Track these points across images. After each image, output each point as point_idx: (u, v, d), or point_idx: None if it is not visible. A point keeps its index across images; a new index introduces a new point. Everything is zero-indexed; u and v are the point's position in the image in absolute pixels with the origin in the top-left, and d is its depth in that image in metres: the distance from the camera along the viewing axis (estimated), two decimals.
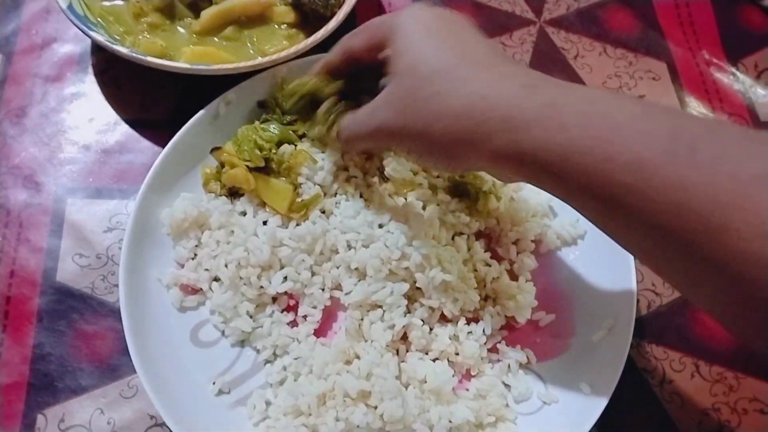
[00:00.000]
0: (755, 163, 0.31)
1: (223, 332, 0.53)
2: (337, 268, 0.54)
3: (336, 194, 0.57)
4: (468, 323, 0.53)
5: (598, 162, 0.35)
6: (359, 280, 0.53)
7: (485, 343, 0.52)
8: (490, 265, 0.55)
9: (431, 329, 0.52)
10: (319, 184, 0.56)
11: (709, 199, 0.31)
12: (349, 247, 0.53)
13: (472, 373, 0.52)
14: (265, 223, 0.55)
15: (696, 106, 0.69)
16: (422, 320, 0.52)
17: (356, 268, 0.53)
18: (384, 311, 0.52)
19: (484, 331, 0.52)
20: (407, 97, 0.43)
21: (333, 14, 0.62)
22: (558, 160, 0.36)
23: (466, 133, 0.40)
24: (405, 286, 0.51)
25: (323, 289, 0.54)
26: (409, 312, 0.52)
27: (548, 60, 0.71)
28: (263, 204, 0.57)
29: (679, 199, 0.32)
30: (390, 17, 0.47)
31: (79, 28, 0.58)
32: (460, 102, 0.40)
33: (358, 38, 0.50)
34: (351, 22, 0.68)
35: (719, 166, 0.32)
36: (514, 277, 0.56)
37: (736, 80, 0.71)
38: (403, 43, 0.44)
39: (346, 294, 0.53)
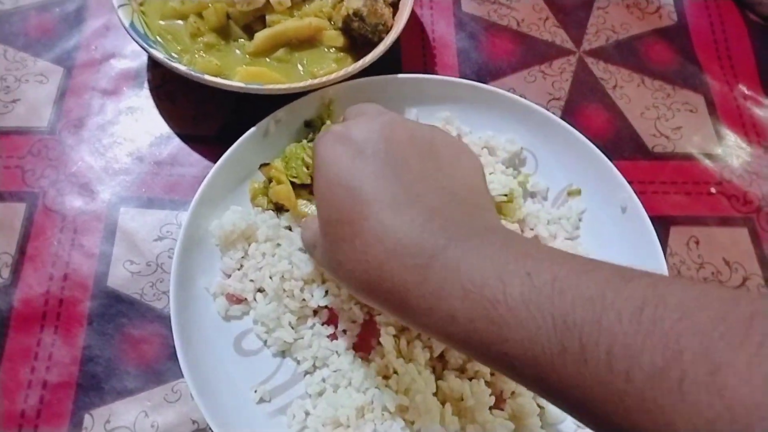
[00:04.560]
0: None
1: (265, 342, 0.54)
2: None
3: None
4: None
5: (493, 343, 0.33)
6: None
7: None
8: None
9: None
10: None
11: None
12: None
13: (506, 395, 0.53)
14: None
15: (733, 139, 0.70)
16: None
17: None
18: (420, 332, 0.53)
19: None
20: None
21: (380, 39, 0.64)
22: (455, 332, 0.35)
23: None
24: None
25: (360, 305, 0.55)
26: None
27: (587, 89, 0.72)
28: None
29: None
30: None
31: (140, 45, 0.61)
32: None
33: None
34: (397, 48, 0.71)
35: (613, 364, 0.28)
36: None
37: None
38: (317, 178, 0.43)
39: (378, 314, 0.54)
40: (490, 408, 0.50)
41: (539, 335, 0.30)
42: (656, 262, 0.54)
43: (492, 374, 0.52)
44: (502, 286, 0.32)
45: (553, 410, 0.51)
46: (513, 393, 0.52)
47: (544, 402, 0.52)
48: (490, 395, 0.50)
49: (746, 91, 0.73)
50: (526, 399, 0.51)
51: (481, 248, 0.35)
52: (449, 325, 0.34)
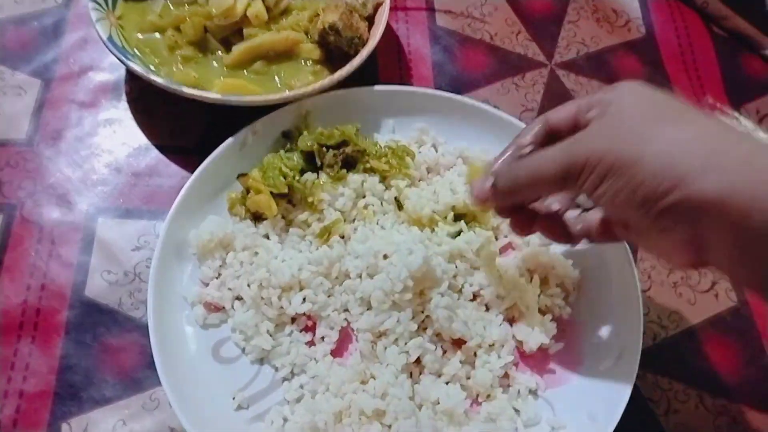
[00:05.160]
0: None
1: (243, 349, 0.55)
2: (349, 294, 0.56)
3: (354, 220, 0.60)
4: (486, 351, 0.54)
5: None
6: (367, 309, 0.55)
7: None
8: None
9: (444, 352, 0.54)
10: (339, 210, 0.59)
11: None
12: (358, 276, 0.56)
13: (480, 399, 0.54)
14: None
15: None
16: (435, 345, 0.54)
17: (361, 298, 0.55)
18: (396, 338, 0.53)
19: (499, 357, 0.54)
20: (621, 124, 0.41)
21: (356, 52, 0.66)
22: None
23: (678, 165, 0.38)
24: (410, 317, 0.53)
25: (339, 312, 0.56)
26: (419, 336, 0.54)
27: (558, 101, 0.72)
28: (286, 228, 0.59)
29: None
30: (602, 92, 0.46)
31: (118, 58, 0.61)
32: (681, 135, 0.39)
33: (561, 109, 0.49)
34: (373, 60, 0.72)
35: None
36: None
37: (739, 124, 0.74)
38: (618, 105, 0.43)
39: (355, 321, 0.55)
40: (465, 411, 0.51)
41: None
42: (627, 269, 0.56)
43: (468, 378, 0.53)
44: None
45: (528, 412, 0.52)
46: (488, 396, 0.53)
47: (519, 405, 0.53)
48: (466, 398, 0.51)
49: (713, 102, 0.76)
50: (502, 402, 0.52)
51: None
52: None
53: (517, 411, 0.53)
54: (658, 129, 0.39)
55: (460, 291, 0.56)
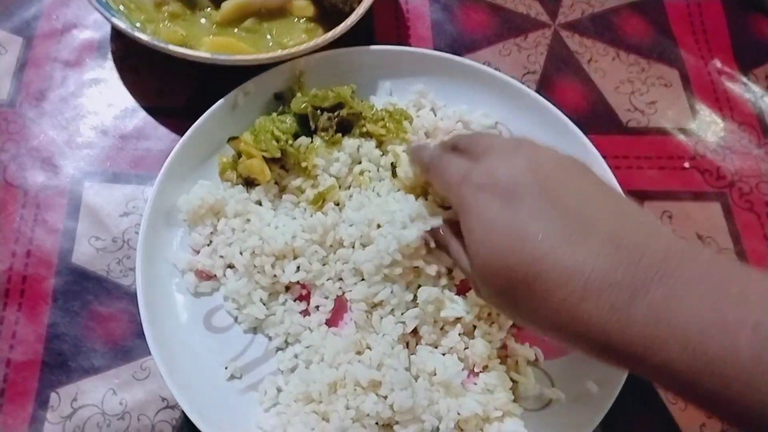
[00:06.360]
0: None
1: (236, 318, 0.54)
2: (343, 263, 0.54)
3: (350, 187, 0.58)
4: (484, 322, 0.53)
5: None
6: (360, 279, 0.53)
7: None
8: None
9: (442, 327, 0.53)
10: (334, 176, 0.57)
11: None
12: (352, 245, 0.54)
13: (476, 370, 0.53)
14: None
15: (707, 114, 0.70)
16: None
17: (354, 268, 0.53)
18: (392, 309, 0.52)
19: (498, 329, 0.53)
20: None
21: (352, 10, 0.63)
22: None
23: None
24: (404, 288, 0.52)
25: (333, 281, 0.55)
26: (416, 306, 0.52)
27: (562, 63, 0.71)
28: (279, 194, 0.57)
29: None
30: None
31: (101, 14, 0.58)
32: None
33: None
34: (369, 19, 0.69)
35: None
36: None
37: (747, 90, 0.72)
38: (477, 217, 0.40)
39: (348, 291, 0.54)
40: (462, 382, 0.50)
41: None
42: None
43: (465, 348, 0.52)
44: (728, 339, 0.30)
45: (526, 384, 0.51)
46: (486, 367, 0.52)
47: (516, 375, 0.52)
48: (463, 369, 0.50)
49: (721, 66, 0.73)
50: (499, 373, 0.51)
51: (687, 284, 0.32)
52: (665, 373, 0.32)
53: (514, 381, 0.52)
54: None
55: (450, 273, 0.54)
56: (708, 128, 0.69)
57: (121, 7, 0.62)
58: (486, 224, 0.38)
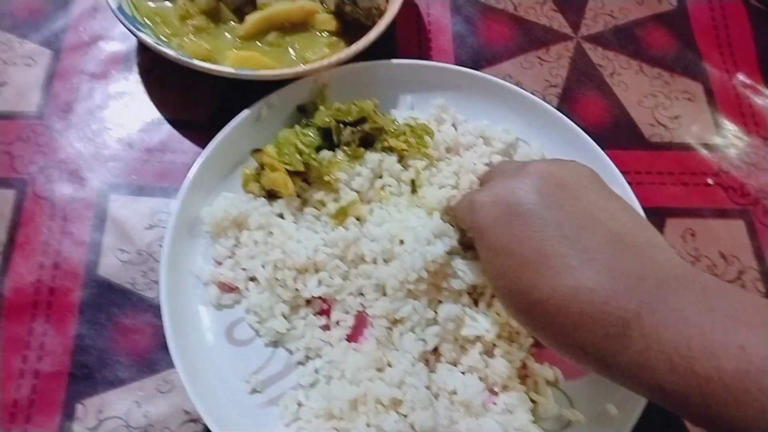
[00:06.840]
0: None
1: (257, 332, 0.54)
2: (364, 278, 0.55)
3: (371, 201, 0.58)
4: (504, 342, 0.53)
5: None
6: (382, 295, 0.54)
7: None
8: None
9: (462, 345, 0.53)
10: (356, 190, 0.57)
11: None
12: (374, 260, 0.54)
13: (496, 390, 0.52)
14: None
15: (731, 129, 0.69)
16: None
17: (376, 284, 0.54)
18: (413, 326, 0.52)
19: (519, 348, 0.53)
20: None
21: (374, 24, 0.63)
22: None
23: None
24: (426, 305, 0.52)
25: (354, 296, 0.55)
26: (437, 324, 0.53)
27: (585, 76, 0.71)
28: (301, 207, 0.58)
29: None
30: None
31: (127, 28, 0.59)
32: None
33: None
34: (392, 32, 0.70)
35: None
36: None
37: None
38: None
39: (369, 307, 0.54)
40: (483, 402, 0.50)
41: (764, 418, 0.30)
42: None
43: (486, 367, 0.52)
44: (714, 360, 0.32)
45: (546, 404, 0.51)
46: (505, 387, 0.52)
47: (535, 396, 0.52)
48: (483, 389, 0.50)
49: (746, 80, 0.72)
50: (519, 393, 0.51)
51: (678, 311, 0.34)
52: (655, 392, 0.34)
53: (534, 402, 0.52)
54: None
55: (475, 290, 0.55)
56: (732, 144, 0.68)
57: (147, 21, 0.63)
58: (492, 241, 0.41)
